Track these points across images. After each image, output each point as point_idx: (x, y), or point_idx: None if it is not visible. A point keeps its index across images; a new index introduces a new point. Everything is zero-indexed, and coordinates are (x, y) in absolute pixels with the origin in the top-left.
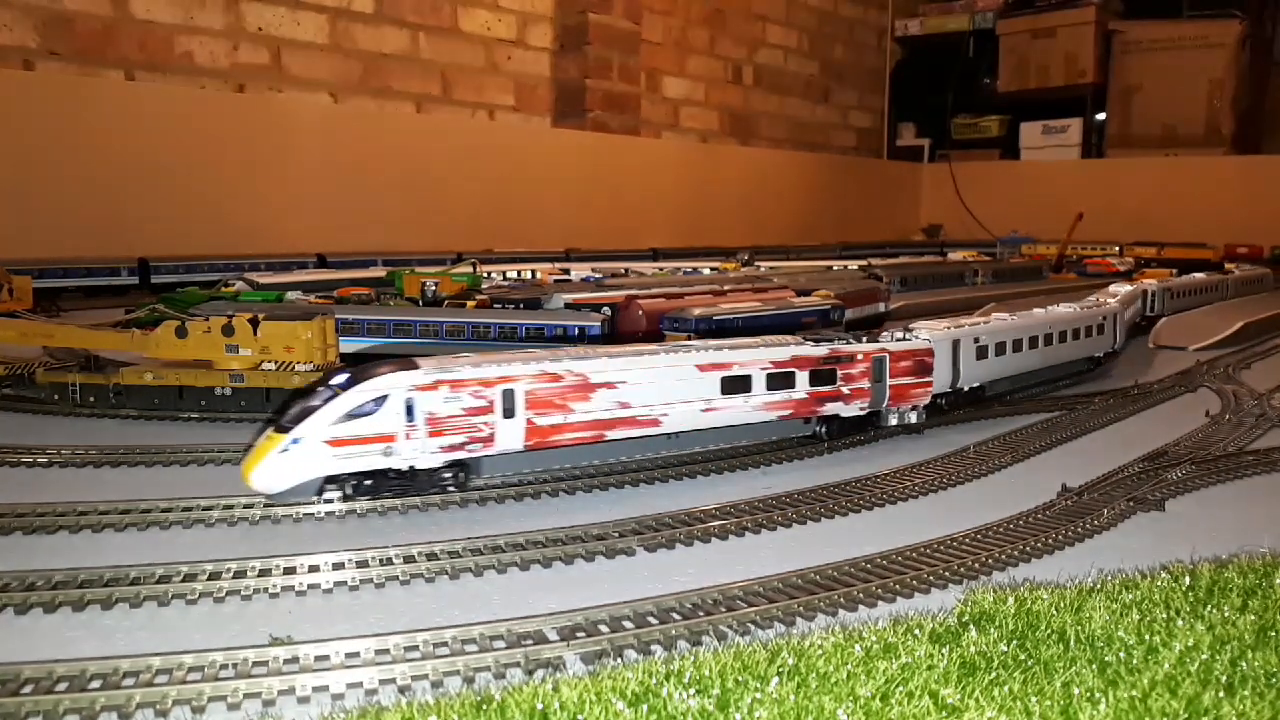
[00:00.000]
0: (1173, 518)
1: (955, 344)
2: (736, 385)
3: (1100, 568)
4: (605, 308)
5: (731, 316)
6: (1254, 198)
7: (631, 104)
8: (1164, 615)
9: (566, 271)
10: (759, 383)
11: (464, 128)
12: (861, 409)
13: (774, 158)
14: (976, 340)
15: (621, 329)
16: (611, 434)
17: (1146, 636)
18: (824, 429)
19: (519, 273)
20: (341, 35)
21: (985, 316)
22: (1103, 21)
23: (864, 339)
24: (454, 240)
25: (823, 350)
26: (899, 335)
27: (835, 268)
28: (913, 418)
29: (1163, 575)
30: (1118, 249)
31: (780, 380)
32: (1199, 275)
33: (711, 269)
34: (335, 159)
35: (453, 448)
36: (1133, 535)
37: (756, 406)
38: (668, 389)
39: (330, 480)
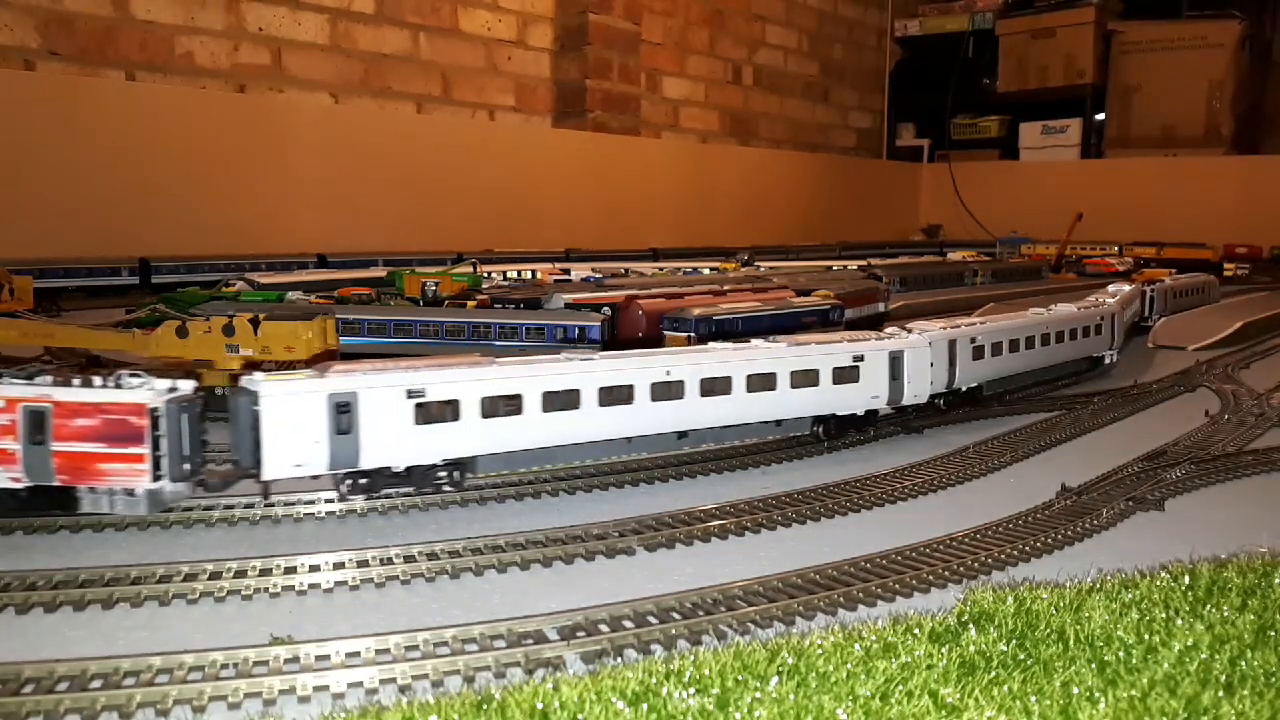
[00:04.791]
0: (1172, 517)
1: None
2: None
3: (1100, 567)
4: (605, 308)
5: (731, 317)
6: (1253, 198)
7: (631, 104)
8: (1163, 615)
9: (566, 271)
10: None
11: (464, 128)
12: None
13: (774, 158)
14: (430, 398)
15: (622, 329)
16: None
17: (1146, 636)
18: None
19: (519, 273)
20: (342, 36)
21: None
22: (1102, 22)
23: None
24: (454, 240)
25: None
26: (98, 381)
27: (835, 268)
28: (120, 506)
29: (1162, 575)
30: (1117, 249)
31: None
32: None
33: (711, 269)
34: (336, 159)
35: None
36: (1132, 535)
37: None
38: None
39: None
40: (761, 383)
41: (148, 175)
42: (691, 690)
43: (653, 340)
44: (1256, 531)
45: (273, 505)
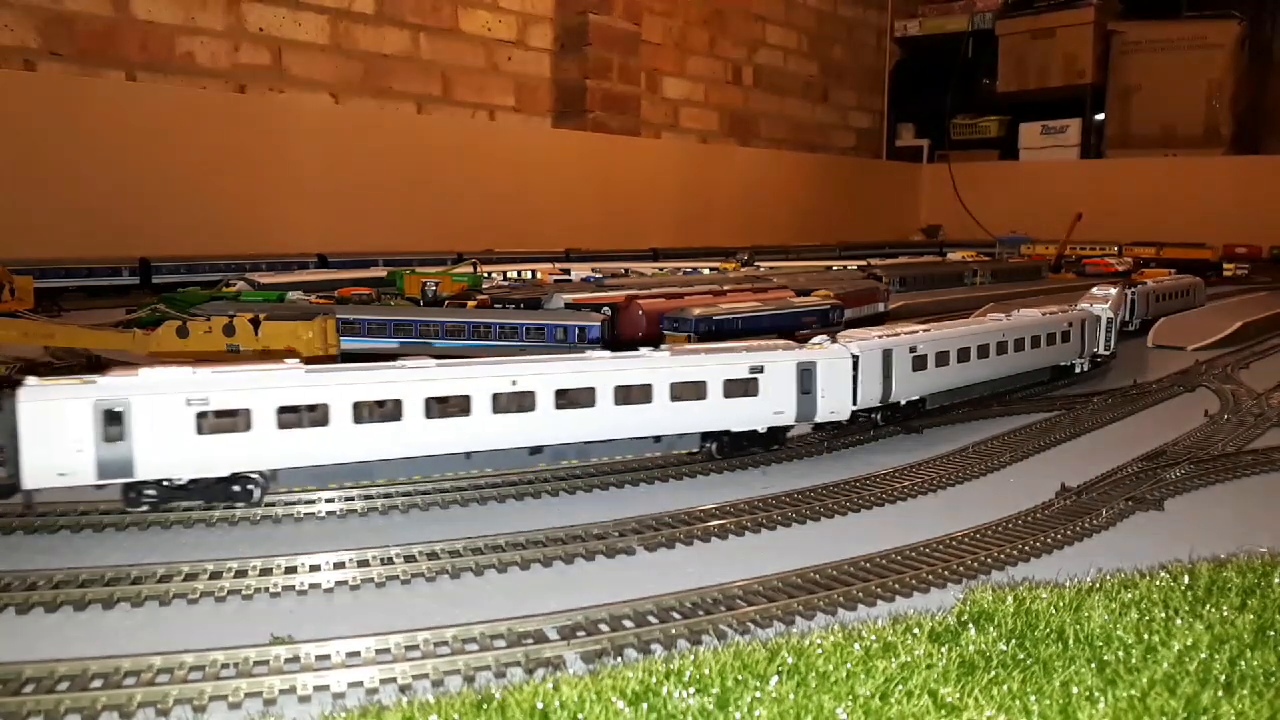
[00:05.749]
0: (1171, 517)
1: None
2: None
3: (1099, 567)
4: (605, 308)
5: (731, 316)
6: (1253, 198)
7: (631, 104)
8: (1163, 614)
9: (566, 271)
10: None
11: (464, 128)
12: None
13: (774, 158)
14: None
15: (621, 329)
16: None
17: (1145, 636)
18: None
19: (519, 273)
20: (342, 36)
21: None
22: (1102, 22)
23: None
24: (454, 240)
25: None
26: None
27: (835, 268)
28: None
29: (1161, 575)
30: (1117, 249)
31: None
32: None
33: (711, 269)
34: (336, 159)
35: None
36: (1131, 535)
37: None
38: None
39: None
40: (633, 395)
41: (148, 175)
42: (691, 690)
43: (653, 340)
44: (1256, 531)
45: (274, 505)
